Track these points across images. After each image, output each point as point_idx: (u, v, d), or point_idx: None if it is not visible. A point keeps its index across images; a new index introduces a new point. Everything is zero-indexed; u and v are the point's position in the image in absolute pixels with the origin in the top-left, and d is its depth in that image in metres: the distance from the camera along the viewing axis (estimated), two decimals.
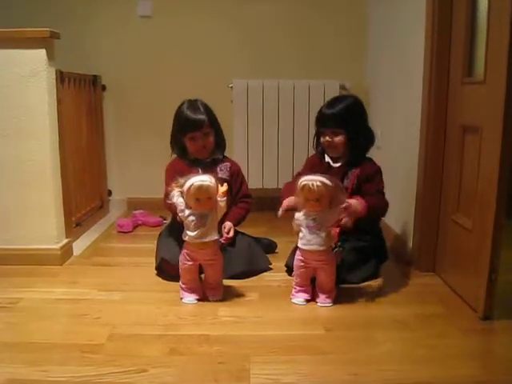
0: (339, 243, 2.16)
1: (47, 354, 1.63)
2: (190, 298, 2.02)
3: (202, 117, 2.36)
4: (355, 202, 2.03)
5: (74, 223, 2.75)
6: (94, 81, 3.23)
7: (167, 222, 3.12)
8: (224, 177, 2.35)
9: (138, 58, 3.40)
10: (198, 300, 2.02)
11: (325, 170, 2.29)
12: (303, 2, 3.36)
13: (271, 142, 3.34)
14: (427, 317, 1.92)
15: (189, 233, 1.96)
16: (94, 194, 3.24)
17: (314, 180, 1.89)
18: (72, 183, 2.70)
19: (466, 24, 2.05)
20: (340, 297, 2.08)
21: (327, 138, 2.29)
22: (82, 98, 3.00)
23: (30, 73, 2.29)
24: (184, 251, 2.02)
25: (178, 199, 1.95)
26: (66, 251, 2.50)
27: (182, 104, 2.42)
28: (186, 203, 1.94)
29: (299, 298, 2.03)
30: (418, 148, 2.36)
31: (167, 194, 2.42)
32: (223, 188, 1.95)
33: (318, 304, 2.00)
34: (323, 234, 1.94)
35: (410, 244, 2.46)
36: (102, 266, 2.45)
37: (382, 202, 2.24)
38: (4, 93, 2.31)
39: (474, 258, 1.94)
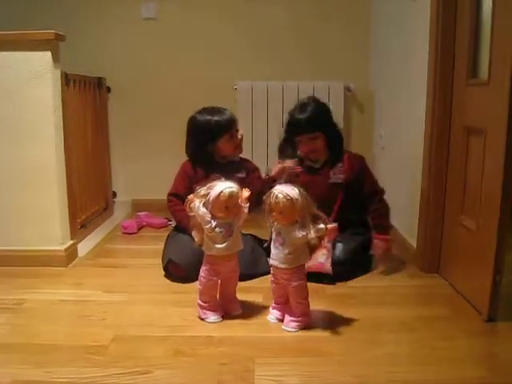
0: (338, 239, 2.23)
1: (52, 356, 1.64)
2: (214, 317, 1.89)
3: (230, 113, 2.39)
4: (380, 243, 2.31)
5: (79, 225, 2.76)
6: (99, 83, 3.24)
7: (172, 223, 3.13)
8: (242, 175, 2.37)
9: (143, 60, 3.41)
10: (222, 317, 1.91)
11: (309, 173, 2.37)
12: (308, 5, 3.36)
13: (275, 144, 3.32)
14: (431, 318, 1.92)
15: (217, 246, 1.83)
16: (99, 195, 3.25)
17: (279, 191, 1.75)
18: (77, 185, 2.71)
19: (471, 25, 2.05)
20: (343, 298, 2.08)
21: (306, 144, 2.33)
22: (86, 99, 3.01)
23: (35, 75, 2.30)
24: (208, 266, 1.88)
25: (202, 210, 1.80)
26: (71, 253, 2.51)
27: (197, 115, 2.38)
28: (211, 213, 1.81)
29: (271, 315, 1.91)
30: (423, 149, 2.35)
31: (173, 193, 2.39)
32: (246, 193, 1.87)
33: (282, 327, 1.84)
34: (286, 251, 1.78)
35: (415, 245, 2.46)
36: (107, 268, 2.46)
37: (386, 209, 2.38)
38: (9, 94, 2.32)
39: (479, 260, 1.94)
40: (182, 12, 3.37)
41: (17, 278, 2.28)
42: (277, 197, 1.74)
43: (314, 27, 3.37)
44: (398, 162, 2.71)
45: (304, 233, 1.74)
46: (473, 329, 1.83)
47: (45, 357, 1.63)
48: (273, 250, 1.82)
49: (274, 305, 1.92)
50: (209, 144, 2.37)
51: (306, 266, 1.98)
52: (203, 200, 1.81)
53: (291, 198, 1.73)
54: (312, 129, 2.31)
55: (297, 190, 1.76)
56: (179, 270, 2.20)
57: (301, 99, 2.51)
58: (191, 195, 1.85)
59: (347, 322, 1.88)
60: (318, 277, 2.18)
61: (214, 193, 1.79)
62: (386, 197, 2.41)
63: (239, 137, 2.12)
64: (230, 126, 2.37)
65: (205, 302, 1.90)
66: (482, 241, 1.92)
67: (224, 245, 1.83)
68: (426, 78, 2.31)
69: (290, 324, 1.83)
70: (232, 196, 1.79)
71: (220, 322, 1.88)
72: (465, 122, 2.10)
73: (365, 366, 1.59)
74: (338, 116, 3.01)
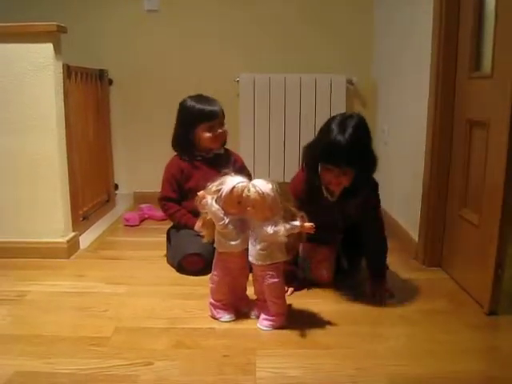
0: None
1: (54, 347, 1.64)
2: (228, 316, 1.84)
3: (218, 107, 2.40)
4: (376, 285, 2.04)
5: (81, 217, 2.76)
6: (101, 75, 3.23)
7: None
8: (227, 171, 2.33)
9: (145, 52, 3.40)
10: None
11: (320, 199, 2.02)
12: None
13: (277, 136, 3.33)
14: (433, 312, 1.92)
15: (231, 242, 1.78)
16: (101, 187, 3.24)
17: (253, 185, 1.72)
18: (79, 177, 2.71)
19: (474, 18, 2.04)
20: (345, 291, 2.08)
21: (333, 177, 1.90)
22: (88, 92, 3.00)
23: (37, 67, 2.30)
24: (221, 264, 1.83)
25: (215, 206, 1.74)
26: (73, 245, 2.51)
27: (187, 99, 2.42)
28: (224, 210, 1.76)
29: (252, 311, 1.88)
30: (425, 143, 2.35)
31: (165, 197, 2.41)
32: None
33: (257, 324, 1.81)
34: (258, 247, 1.74)
35: (417, 238, 2.45)
36: (109, 260, 2.46)
37: (385, 247, 2.11)
38: (11, 87, 2.32)
39: (481, 253, 1.93)
40: (185, 4, 3.35)
41: (18, 269, 2.29)
42: (249, 190, 1.71)
43: (316, 20, 3.36)
44: (401, 155, 2.71)
45: (276, 229, 1.69)
46: (474, 322, 1.83)
47: (47, 348, 1.63)
48: (249, 246, 1.79)
49: (256, 301, 1.89)
50: (190, 130, 2.39)
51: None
52: (215, 196, 1.75)
53: (262, 193, 1.69)
54: (346, 163, 1.85)
55: (270, 186, 1.71)
56: (198, 262, 2.17)
57: (340, 118, 1.90)
58: (202, 191, 1.78)
59: (348, 315, 1.88)
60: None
61: (226, 188, 1.74)
62: (388, 191, 2.39)
63: (220, 131, 2.22)
64: (210, 116, 2.37)
65: (218, 301, 1.85)
66: (484, 235, 1.92)
67: (238, 241, 1.79)
68: (429, 71, 2.30)
69: (263, 322, 1.80)
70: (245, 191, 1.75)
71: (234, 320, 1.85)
72: (468, 114, 2.10)
73: (366, 359, 1.59)
74: (339, 110, 3.01)
